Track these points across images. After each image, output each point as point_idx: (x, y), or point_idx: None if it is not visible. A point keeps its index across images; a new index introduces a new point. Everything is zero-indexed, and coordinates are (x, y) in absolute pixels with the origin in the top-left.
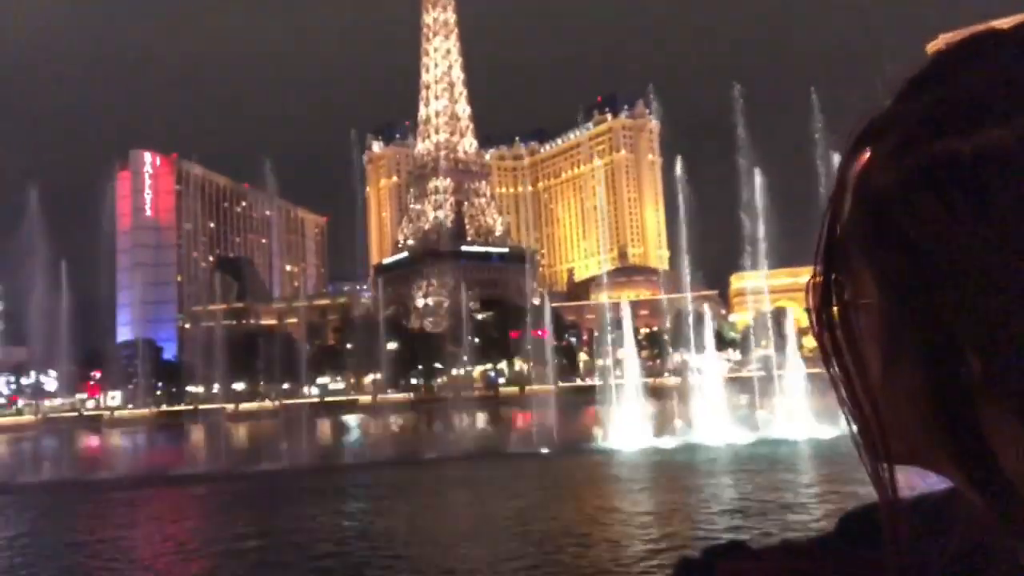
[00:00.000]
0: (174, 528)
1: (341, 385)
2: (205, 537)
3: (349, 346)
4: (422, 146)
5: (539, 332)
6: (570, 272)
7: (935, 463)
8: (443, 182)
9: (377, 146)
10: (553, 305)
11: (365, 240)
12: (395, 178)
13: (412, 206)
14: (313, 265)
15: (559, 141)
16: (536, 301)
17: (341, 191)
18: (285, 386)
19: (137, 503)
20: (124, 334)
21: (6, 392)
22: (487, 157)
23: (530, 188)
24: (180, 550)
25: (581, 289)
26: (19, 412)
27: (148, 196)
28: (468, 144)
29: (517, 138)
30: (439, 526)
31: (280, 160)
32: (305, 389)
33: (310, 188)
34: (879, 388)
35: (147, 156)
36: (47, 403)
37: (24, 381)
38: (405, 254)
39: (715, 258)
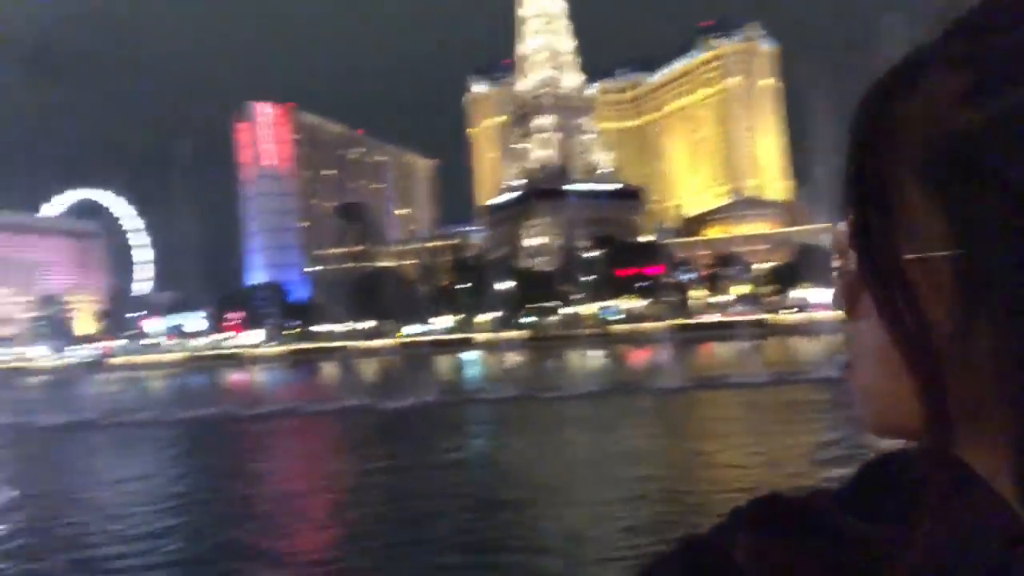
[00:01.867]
0: (312, 459)
1: (457, 324)
2: (340, 468)
3: (461, 286)
4: (523, 84)
5: (650, 269)
6: (680, 208)
7: (1002, 437)
8: (546, 120)
9: (479, 86)
10: (664, 242)
11: (473, 182)
12: (499, 118)
13: (516, 145)
14: (425, 208)
15: (665, 71)
16: (647, 238)
17: (448, 134)
18: (404, 325)
19: (278, 435)
20: (257, 277)
21: (158, 332)
22: (591, 91)
23: (636, 122)
24: (318, 480)
25: (693, 225)
26: (171, 350)
27: (268, 147)
28: (571, 79)
29: (621, 70)
30: (557, 460)
31: (391, 106)
32: (421, 327)
33: (420, 132)
34: (947, 348)
35: (267, 108)
36: (194, 342)
37: (173, 322)
38: (512, 195)
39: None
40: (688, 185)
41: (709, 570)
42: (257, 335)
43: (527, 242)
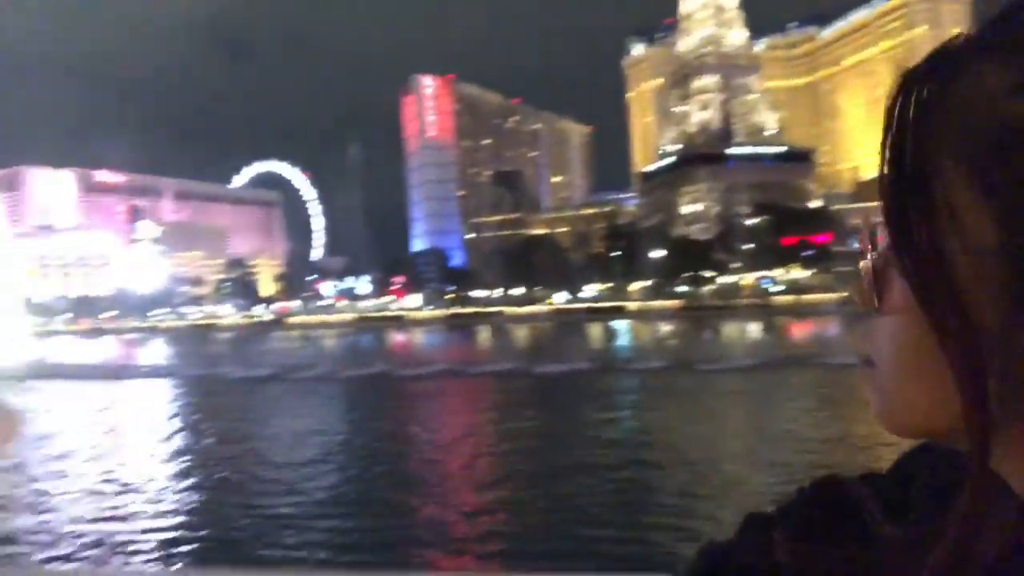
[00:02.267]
0: (468, 419)
1: (608, 292)
2: (495, 428)
3: (615, 254)
4: (684, 43)
5: (818, 237)
6: (856, 171)
7: None
8: (708, 80)
9: (638, 49)
10: (836, 207)
11: (628, 147)
12: (657, 80)
13: (675, 109)
14: (579, 175)
15: (841, 23)
16: (815, 203)
17: (604, 100)
18: (555, 292)
19: (436, 394)
20: (419, 244)
21: (330, 294)
22: (757, 48)
23: (807, 79)
24: (473, 439)
25: (869, 189)
26: (341, 311)
27: (430, 118)
28: (736, 36)
29: (791, 25)
30: (708, 433)
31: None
32: (573, 295)
33: (575, 99)
34: (996, 344)
35: (428, 80)
36: (361, 304)
37: (343, 285)
38: (669, 160)
39: None
40: (865, 146)
41: (751, 568)
42: (417, 299)
43: (683, 209)
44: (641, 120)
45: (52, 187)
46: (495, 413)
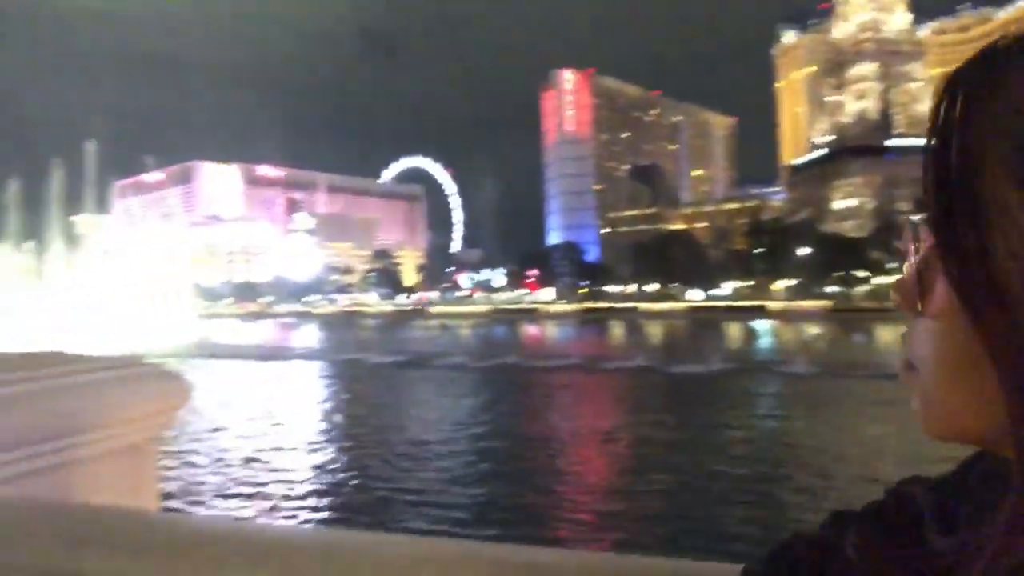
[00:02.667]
0: (598, 414)
1: (748, 290)
2: (623, 424)
3: (758, 251)
4: (840, 30)
5: None
6: None
7: None
8: (866, 68)
9: (788, 36)
10: None
11: (775, 140)
12: (809, 69)
13: (828, 98)
14: (721, 169)
15: (1020, 3)
16: None
17: (750, 89)
18: (692, 289)
19: (567, 387)
20: (554, 238)
21: (467, 286)
22: (922, 33)
23: None
24: (601, 435)
25: None
26: (477, 303)
27: (568, 112)
28: (897, 20)
29: (962, 6)
30: (854, 444)
31: (690, 65)
32: (713, 292)
33: (718, 90)
34: None
35: (567, 74)
36: (496, 296)
37: (480, 277)
38: (820, 152)
39: None
40: None
41: (821, 562)
42: (550, 292)
43: (835, 204)
44: (790, 111)
45: (220, 180)
46: (625, 410)
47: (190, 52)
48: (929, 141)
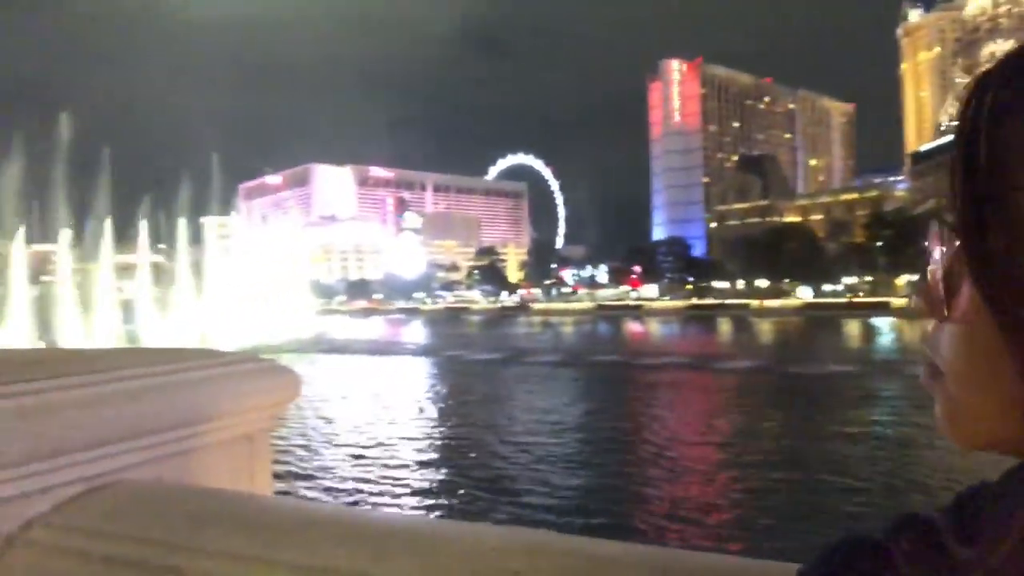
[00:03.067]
0: (708, 414)
1: (868, 286)
2: (736, 426)
3: (879, 244)
4: (973, 6)
5: None
6: None
7: None
8: (1002, 45)
9: (915, 15)
10: None
11: (898, 126)
12: (937, 49)
13: (959, 79)
14: (839, 158)
15: None
16: None
17: (870, 74)
18: (807, 284)
19: (673, 386)
20: (659, 233)
21: (570, 282)
22: None
23: None
24: (713, 435)
25: None
26: (580, 299)
27: (675, 103)
28: None
29: None
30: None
31: (801, 48)
32: (830, 287)
33: (835, 74)
34: None
35: (674, 65)
36: (599, 292)
37: (582, 273)
38: (949, 137)
39: None
40: None
41: (873, 567)
42: (652, 289)
43: None
44: (915, 95)
45: (334, 182)
46: (733, 410)
47: (302, 58)
48: (957, 143)
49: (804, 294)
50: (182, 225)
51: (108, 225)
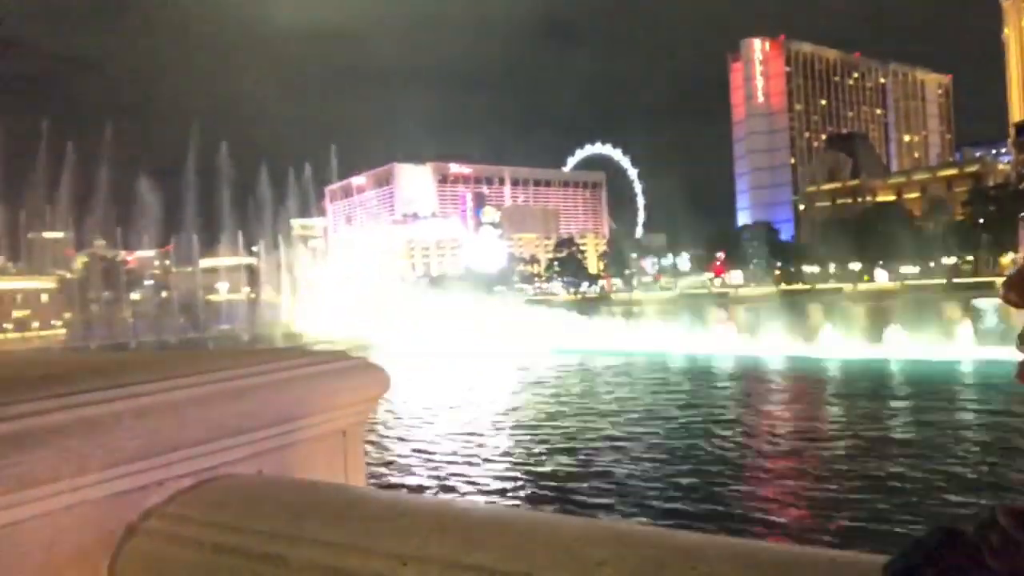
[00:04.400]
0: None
1: (970, 265)
2: (840, 419)
3: (980, 220)
4: None
5: None
6: None
7: None
8: None
9: None
10: None
11: (1000, 97)
12: None
13: None
14: (936, 132)
15: None
16: None
17: (968, 42)
18: (904, 265)
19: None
20: (743, 218)
21: (651, 271)
22: None
23: None
24: (822, 430)
25: None
26: (662, 288)
27: (759, 83)
28: None
29: None
30: None
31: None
32: (930, 268)
33: (931, 44)
34: None
35: (756, 43)
36: (681, 281)
37: (664, 262)
38: None
39: None
40: None
41: (957, 561)
42: (738, 275)
43: None
44: (1020, 62)
45: (415, 180)
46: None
47: (384, 62)
48: None
49: (905, 275)
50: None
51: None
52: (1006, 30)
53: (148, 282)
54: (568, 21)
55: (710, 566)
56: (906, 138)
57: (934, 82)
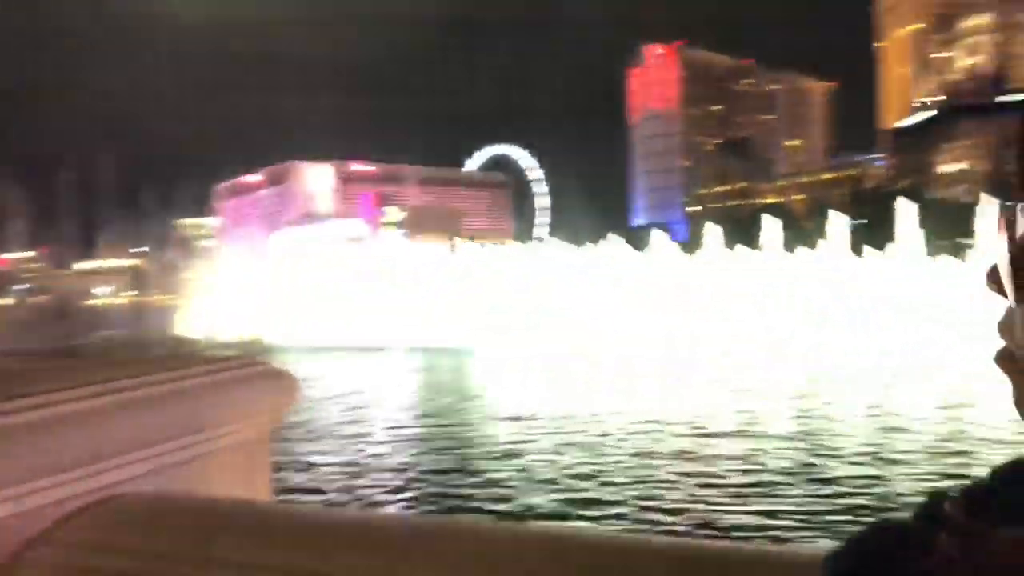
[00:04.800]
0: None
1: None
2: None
3: (857, 222)
4: None
5: None
6: None
7: None
8: (979, 19)
9: None
10: None
11: (877, 103)
12: (916, 26)
13: (936, 55)
14: (819, 137)
15: None
16: None
17: (850, 52)
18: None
19: None
20: (641, 219)
21: None
22: None
23: None
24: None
25: None
26: None
27: (655, 88)
28: None
29: None
30: None
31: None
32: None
33: (817, 54)
34: None
35: (653, 49)
36: None
37: None
38: (927, 114)
39: None
40: None
41: (902, 552)
42: None
43: (942, 168)
44: (893, 71)
45: (315, 179)
46: None
47: (285, 57)
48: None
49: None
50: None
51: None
52: (880, 42)
53: (20, 286)
54: (470, 21)
55: (648, 568)
56: (792, 143)
57: (819, 89)
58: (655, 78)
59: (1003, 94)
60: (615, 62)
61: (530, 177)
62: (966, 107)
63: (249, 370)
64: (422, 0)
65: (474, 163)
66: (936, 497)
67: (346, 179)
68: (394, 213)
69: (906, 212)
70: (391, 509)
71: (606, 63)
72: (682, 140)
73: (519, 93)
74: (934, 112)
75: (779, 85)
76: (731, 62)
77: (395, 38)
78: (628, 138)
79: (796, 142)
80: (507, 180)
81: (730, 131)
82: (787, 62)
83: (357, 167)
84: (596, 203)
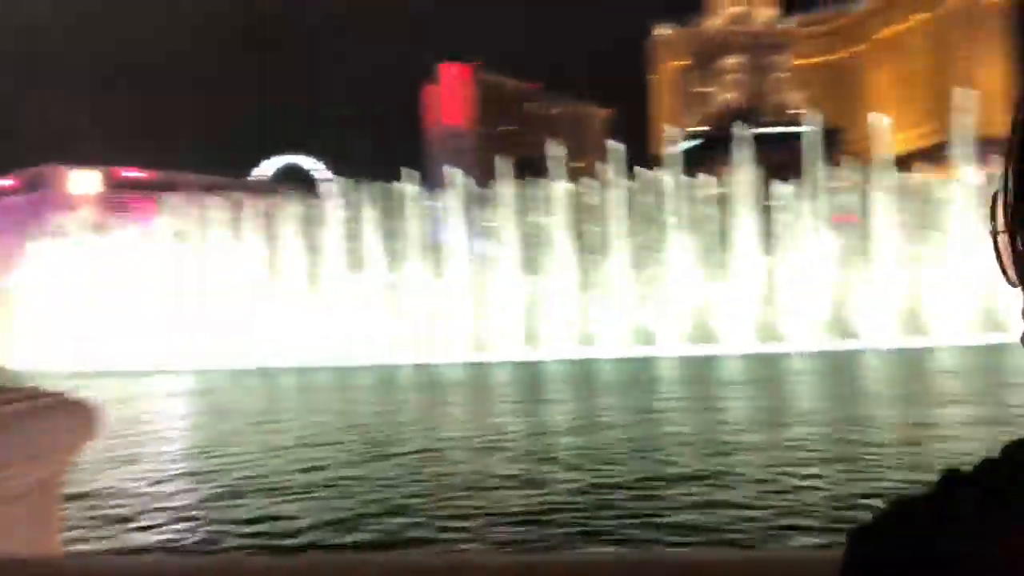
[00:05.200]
0: None
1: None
2: None
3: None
4: (712, 22)
5: (847, 218)
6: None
7: None
8: (734, 60)
9: (662, 28)
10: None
11: (649, 130)
12: (683, 62)
13: (699, 89)
14: (599, 160)
15: None
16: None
17: (628, 83)
18: None
19: None
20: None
21: None
22: (787, 26)
23: (836, 56)
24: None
25: (899, 167)
26: None
27: (449, 106)
28: (764, 14)
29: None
30: None
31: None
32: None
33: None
34: None
35: (450, 68)
36: None
37: None
38: (691, 142)
39: None
40: (894, 124)
41: (933, 524)
42: None
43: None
44: (664, 102)
45: (77, 184)
46: None
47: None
48: (1010, 151)
49: None
50: None
51: None
52: (652, 75)
53: None
54: (264, 25)
55: None
56: (577, 164)
57: (601, 116)
58: (450, 95)
59: (754, 126)
60: (416, 80)
61: (322, 189)
62: (721, 137)
63: (40, 402)
64: (220, 6)
65: (263, 172)
66: (951, 473)
67: (115, 185)
68: (170, 223)
69: None
70: (196, 552)
71: (411, 77)
72: (476, 157)
73: (315, 102)
74: (697, 141)
75: (561, 109)
76: (519, 85)
77: (185, 38)
78: (426, 152)
79: (581, 164)
80: (296, 190)
81: (523, 151)
82: (577, 88)
83: (129, 173)
84: (399, 217)
